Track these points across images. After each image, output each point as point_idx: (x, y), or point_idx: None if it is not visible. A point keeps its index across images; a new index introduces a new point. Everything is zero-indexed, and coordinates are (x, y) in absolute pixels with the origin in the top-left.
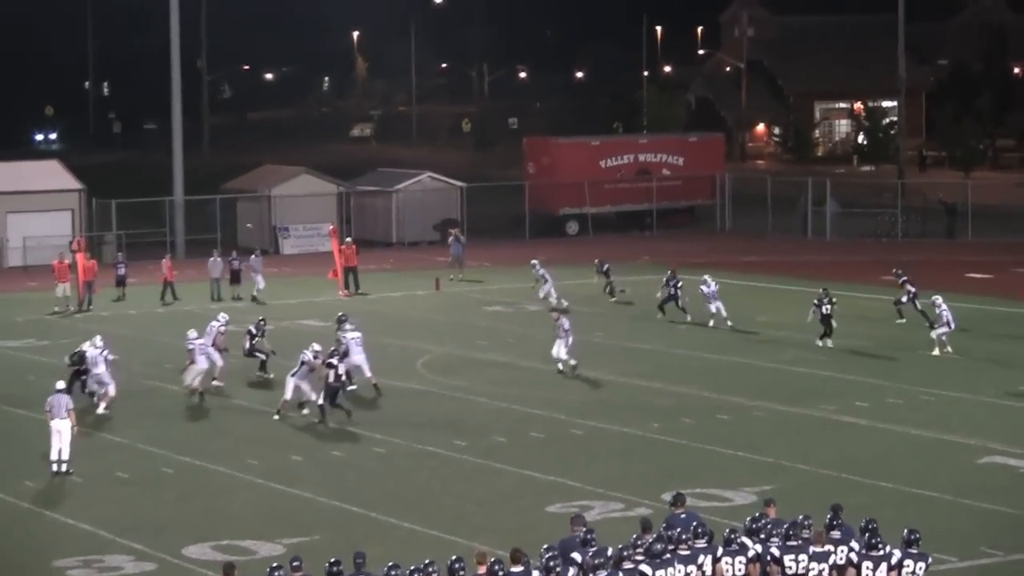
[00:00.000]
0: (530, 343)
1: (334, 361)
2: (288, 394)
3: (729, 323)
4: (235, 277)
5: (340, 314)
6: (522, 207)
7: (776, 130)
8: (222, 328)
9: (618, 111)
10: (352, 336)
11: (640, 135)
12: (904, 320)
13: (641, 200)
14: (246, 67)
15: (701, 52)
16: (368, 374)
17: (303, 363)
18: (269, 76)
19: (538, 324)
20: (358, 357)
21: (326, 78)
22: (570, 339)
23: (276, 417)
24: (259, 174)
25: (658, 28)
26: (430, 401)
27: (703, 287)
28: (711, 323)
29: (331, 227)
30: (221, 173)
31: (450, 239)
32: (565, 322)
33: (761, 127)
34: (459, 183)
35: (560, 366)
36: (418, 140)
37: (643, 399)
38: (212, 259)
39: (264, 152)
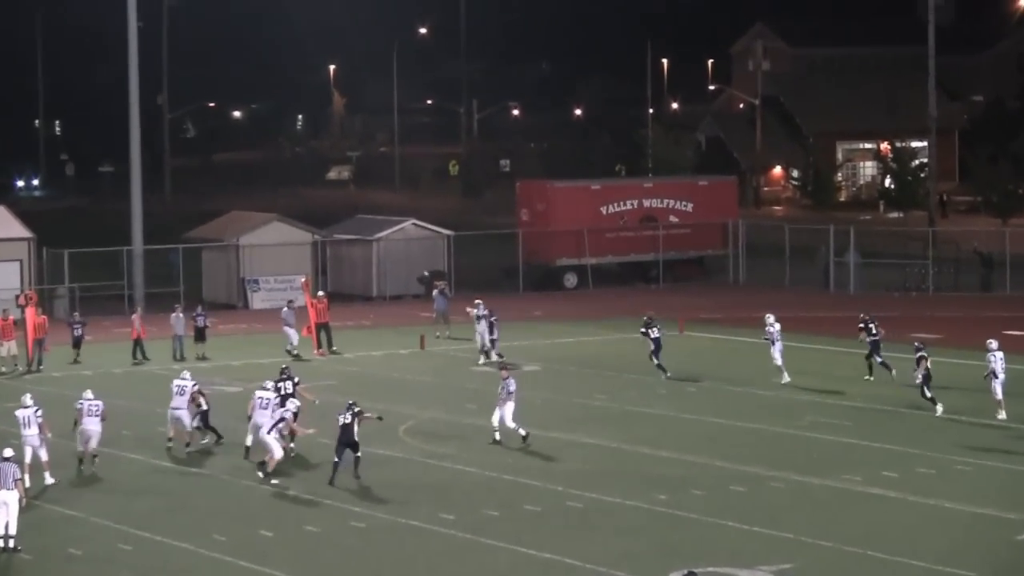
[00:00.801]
0: (524, 406)
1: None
2: (277, 454)
3: (786, 378)
4: (200, 335)
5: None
6: (515, 257)
7: (794, 173)
8: (195, 386)
9: (620, 152)
10: (263, 395)
11: (645, 178)
12: (871, 378)
13: (646, 250)
14: (212, 104)
15: (711, 87)
16: (266, 435)
17: (282, 419)
18: (237, 114)
19: (534, 385)
20: (261, 418)
21: (300, 116)
22: (511, 403)
23: (260, 475)
24: (226, 221)
25: (664, 61)
26: (414, 470)
27: (769, 328)
28: (784, 377)
29: (303, 279)
30: (184, 220)
31: (435, 293)
32: (512, 383)
33: (778, 170)
34: (446, 231)
35: (497, 435)
36: (401, 184)
37: (648, 468)
38: (175, 315)
39: (232, 197)
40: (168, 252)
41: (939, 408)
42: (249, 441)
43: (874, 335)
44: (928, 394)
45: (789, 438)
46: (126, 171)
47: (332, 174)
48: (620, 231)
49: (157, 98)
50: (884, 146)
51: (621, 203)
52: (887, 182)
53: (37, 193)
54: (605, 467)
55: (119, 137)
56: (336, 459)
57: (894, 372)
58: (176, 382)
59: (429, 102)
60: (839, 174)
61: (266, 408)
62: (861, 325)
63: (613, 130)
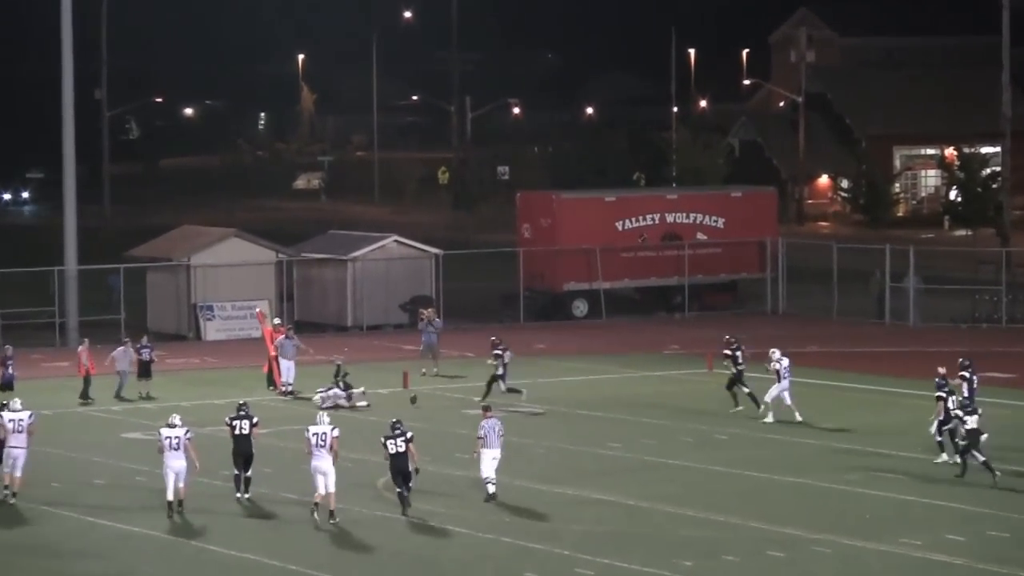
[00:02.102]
0: (525, 456)
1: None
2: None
3: (798, 416)
4: (144, 370)
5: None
6: (515, 281)
7: (844, 183)
8: (188, 435)
9: (639, 158)
10: (171, 434)
11: (668, 189)
12: (741, 407)
13: (669, 273)
14: (158, 100)
15: (747, 83)
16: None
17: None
18: (189, 111)
19: (536, 432)
20: (174, 460)
21: (262, 114)
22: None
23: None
24: (175, 238)
25: (691, 52)
26: (394, 533)
27: (776, 364)
28: (769, 416)
29: (257, 310)
30: (126, 236)
31: (421, 323)
32: (498, 426)
33: (824, 179)
34: (433, 250)
35: (492, 488)
36: (381, 194)
37: (671, 530)
38: (121, 348)
39: (182, 209)
40: (107, 273)
41: (943, 456)
42: (170, 493)
43: (740, 364)
44: (940, 438)
45: (836, 494)
46: (58, 178)
47: (300, 182)
48: (638, 251)
49: (95, 92)
50: (949, 152)
51: (640, 218)
52: (953, 194)
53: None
54: (620, 529)
55: (49, 139)
56: (399, 489)
57: (763, 408)
58: (168, 432)
59: (414, 99)
60: (896, 185)
61: (178, 449)
62: (727, 351)
63: (630, 133)
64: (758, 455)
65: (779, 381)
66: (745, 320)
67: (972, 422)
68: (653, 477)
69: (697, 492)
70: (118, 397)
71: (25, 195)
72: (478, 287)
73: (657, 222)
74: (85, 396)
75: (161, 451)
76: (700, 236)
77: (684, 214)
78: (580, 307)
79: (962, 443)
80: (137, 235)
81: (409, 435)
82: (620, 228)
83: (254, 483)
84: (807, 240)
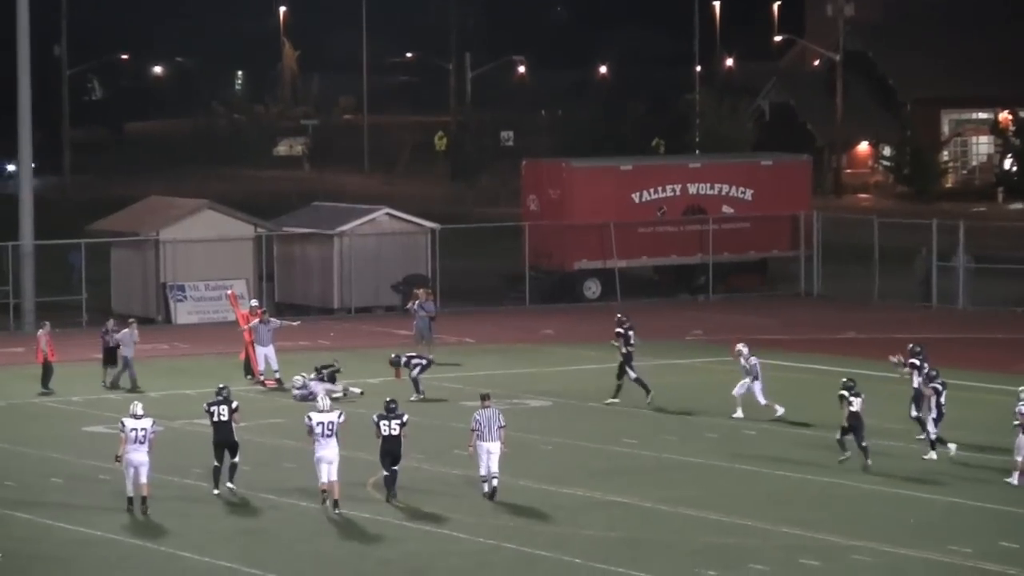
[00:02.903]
0: (530, 453)
1: None
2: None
3: (779, 411)
4: (109, 357)
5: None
6: (520, 259)
7: (886, 151)
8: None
9: (659, 123)
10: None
11: (691, 157)
12: (617, 400)
13: (691, 251)
14: (124, 57)
15: (778, 39)
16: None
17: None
18: (158, 70)
19: (543, 426)
20: (137, 454)
21: (239, 73)
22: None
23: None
24: (143, 210)
25: (715, 4)
26: (385, 537)
27: (742, 360)
28: (738, 412)
29: (229, 291)
30: (88, 208)
31: (414, 305)
32: (499, 417)
33: (864, 147)
34: (429, 224)
35: (489, 485)
36: (372, 163)
37: (692, 536)
38: (126, 331)
39: (150, 179)
40: (67, 250)
41: (951, 447)
42: (130, 489)
43: (631, 345)
44: (634, 373)
45: (877, 497)
46: (12, 145)
47: (282, 149)
48: (657, 226)
49: (54, 49)
50: (1004, 116)
51: (659, 189)
52: (1007, 163)
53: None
54: (635, 534)
55: (2, 99)
56: (385, 473)
57: (651, 396)
58: (133, 423)
59: (409, 56)
60: (944, 153)
61: (143, 443)
62: (619, 330)
63: (649, 95)
64: (788, 453)
65: (755, 379)
66: (776, 303)
67: (857, 404)
68: (672, 477)
69: (722, 494)
70: (133, 389)
71: (11, 168)
72: (479, 266)
73: (678, 194)
74: (45, 386)
75: (118, 458)
76: (726, 210)
77: (708, 185)
78: (592, 288)
79: (843, 425)
80: (100, 207)
81: (404, 418)
82: (637, 200)
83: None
84: (845, 214)
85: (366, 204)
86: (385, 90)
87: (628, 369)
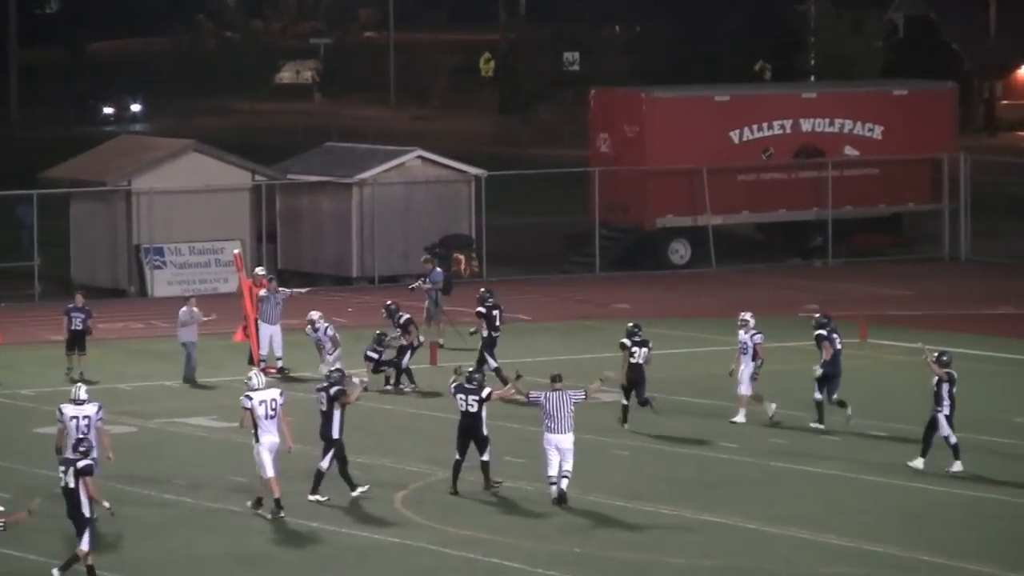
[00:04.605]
0: (604, 462)
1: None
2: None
3: (774, 410)
4: (77, 340)
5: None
6: (588, 215)
7: None
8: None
9: (763, 42)
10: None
11: (804, 85)
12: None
13: (805, 204)
14: None
15: None
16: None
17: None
18: None
19: (618, 427)
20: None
21: None
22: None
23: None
24: (110, 153)
25: None
26: (418, 566)
27: (742, 331)
28: (771, 407)
29: (236, 252)
30: (42, 150)
31: (424, 284)
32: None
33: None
34: (474, 170)
35: (557, 488)
36: (399, 93)
37: (806, 565)
38: (186, 309)
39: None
40: (15, 203)
41: (957, 465)
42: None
43: (496, 329)
44: (951, 439)
45: None
46: None
47: (286, 75)
48: (762, 172)
49: None
50: None
51: (764, 126)
52: None
53: None
54: (735, 563)
55: None
56: (458, 457)
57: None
58: (73, 411)
59: None
60: None
61: (86, 435)
62: (482, 309)
63: (750, 5)
64: (932, 459)
65: (753, 359)
66: (912, 270)
67: (641, 355)
68: (781, 490)
69: (843, 511)
70: (189, 381)
71: (136, 107)
72: (535, 224)
73: (788, 131)
74: None
75: (59, 449)
76: (849, 151)
77: (826, 120)
78: (679, 251)
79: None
80: (57, 149)
81: (486, 392)
82: (736, 140)
83: (223, 495)
84: (1001, 158)
85: (393, 145)
86: (415, 1)
87: (488, 357)
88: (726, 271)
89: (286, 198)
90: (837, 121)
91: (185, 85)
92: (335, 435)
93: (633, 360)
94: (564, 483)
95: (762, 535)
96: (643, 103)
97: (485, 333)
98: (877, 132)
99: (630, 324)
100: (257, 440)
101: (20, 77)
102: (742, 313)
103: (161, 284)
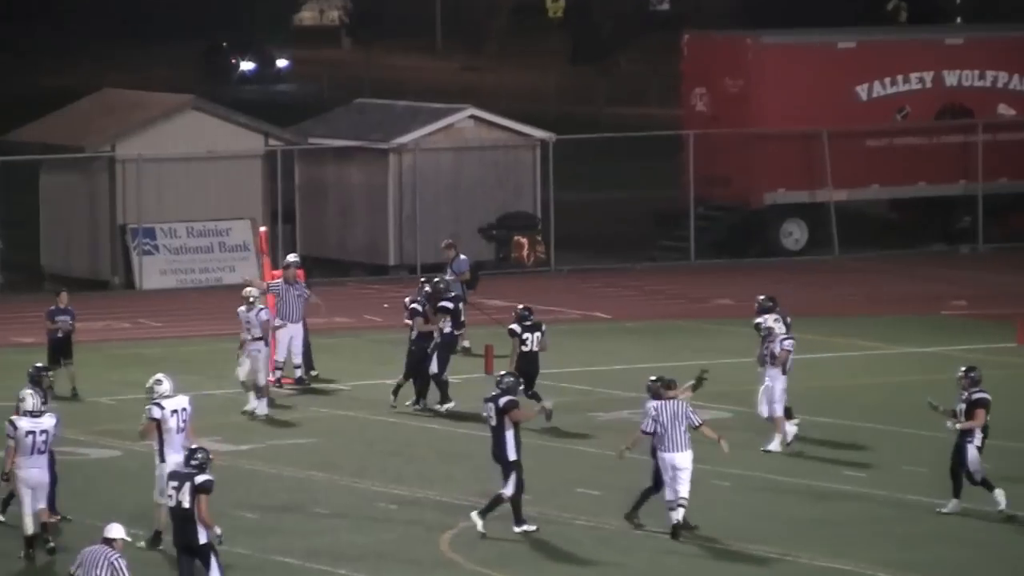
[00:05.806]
0: (703, 493)
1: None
2: None
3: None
4: (61, 347)
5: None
6: (680, 189)
7: None
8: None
9: None
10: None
11: (948, 28)
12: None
13: (949, 176)
14: None
15: None
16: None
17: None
18: None
19: (719, 450)
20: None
21: None
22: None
23: None
24: (89, 111)
25: None
26: None
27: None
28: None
29: (262, 229)
30: (8, 108)
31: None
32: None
33: None
34: (539, 133)
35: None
36: (448, 37)
37: None
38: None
39: (101, 61)
40: None
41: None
42: (28, 523)
43: (461, 327)
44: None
45: None
46: None
47: (306, 15)
48: (896, 137)
49: None
50: None
51: (899, 80)
52: None
53: None
54: None
55: None
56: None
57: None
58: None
59: None
60: None
61: (43, 452)
62: (447, 304)
63: None
64: None
65: (783, 371)
66: None
67: (533, 342)
68: (923, 531)
69: (1002, 557)
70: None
71: (283, 63)
72: (615, 199)
73: (929, 86)
74: None
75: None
76: (1004, 111)
77: (976, 73)
78: (794, 233)
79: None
80: (22, 106)
81: (504, 400)
82: (864, 97)
83: (229, 535)
84: None
85: (440, 103)
86: None
87: (440, 358)
88: (851, 258)
89: (307, 168)
90: (989, 73)
91: (182, 28)
92: (511, 456)
93: (525, 348)
94: (681, 513)
95: None
96: (749, 51)
97: (448, 330)
98: None
99: (519, 307)
100: (162, 459)
101: None
102: (763, 316)
103: (152, 274)
